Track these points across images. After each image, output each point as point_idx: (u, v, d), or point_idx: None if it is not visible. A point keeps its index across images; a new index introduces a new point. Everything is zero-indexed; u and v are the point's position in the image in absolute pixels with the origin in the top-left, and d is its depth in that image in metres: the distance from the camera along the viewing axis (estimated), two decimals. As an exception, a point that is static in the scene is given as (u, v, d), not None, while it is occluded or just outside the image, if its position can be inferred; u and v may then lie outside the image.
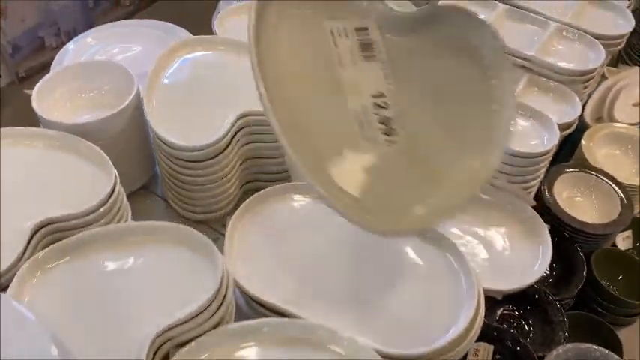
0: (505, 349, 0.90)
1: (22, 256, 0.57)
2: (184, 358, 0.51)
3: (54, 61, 0.91)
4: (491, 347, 0.90)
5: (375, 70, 0.58)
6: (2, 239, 0.57)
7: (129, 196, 0.80)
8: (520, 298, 1.00)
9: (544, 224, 0.77)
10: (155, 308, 0.53)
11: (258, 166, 0.81)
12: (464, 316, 0.58)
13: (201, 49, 0.81)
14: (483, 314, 0.62)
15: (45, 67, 0.86)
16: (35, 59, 1.10)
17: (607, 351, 0.92)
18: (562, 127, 0.82)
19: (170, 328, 0.51)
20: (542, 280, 1.09)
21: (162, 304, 0.53)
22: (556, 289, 1.06)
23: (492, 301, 0.95)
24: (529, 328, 0.99)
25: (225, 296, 0.54)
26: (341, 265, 0.64)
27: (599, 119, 1.29)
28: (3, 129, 0.67)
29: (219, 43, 0.82)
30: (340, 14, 0.58)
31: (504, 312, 1.01)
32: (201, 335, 0.53)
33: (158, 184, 0.86)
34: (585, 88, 0.90)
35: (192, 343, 0.52)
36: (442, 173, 0.57)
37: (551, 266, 1.10)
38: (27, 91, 1.07)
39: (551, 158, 0.89)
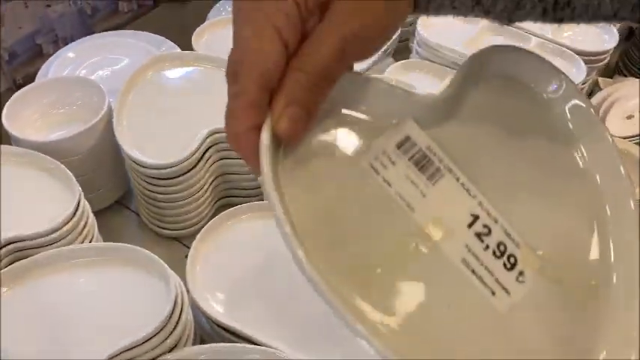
0: None
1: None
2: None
3: (38, 73, 0.92)
4: None
5: (449, 189, 0.38)
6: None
7: (102, 211, 0.81)
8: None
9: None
10: (107, 332, 0.53)
11: (231, 182, 0.81)
12: None
13: (173, 66, 0.81)
14: None
15: (43, 74, 0.85)
16: (32, 66, 1.10)
17: None
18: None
19: (119, 353, 0.51)
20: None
21: (114, 329, 0.53)
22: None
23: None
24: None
25: (179, 319, 0.54)
26: (306, 289, 0.63)
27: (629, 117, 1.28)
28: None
29: (192, 59, 0.82)
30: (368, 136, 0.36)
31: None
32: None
33: (132, 198, 0.86)
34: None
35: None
36: None
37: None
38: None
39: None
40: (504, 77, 0.39)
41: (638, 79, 1.02)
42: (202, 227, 0.80)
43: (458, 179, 0.38)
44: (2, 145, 0.69)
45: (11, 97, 0.76)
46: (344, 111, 0.34)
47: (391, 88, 0.35)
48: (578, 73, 0.89)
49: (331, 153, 0.34)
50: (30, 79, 1.13)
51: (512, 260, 0.37)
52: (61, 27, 1.15)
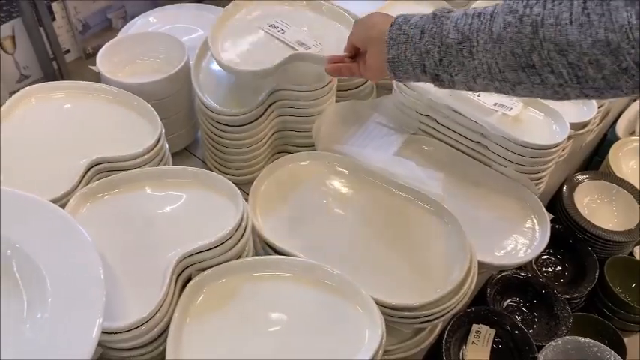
0: (505, 334, 0.95)
1: (76, 187, 0.67)
2: (203, 279, 0.60)
3: (120, 30, 1.03)
4: (493, 331, 0.95)
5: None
6: (60, 172, 0.67)
7: (172, 156, 0.90)
8: (528, 291, 1.04)
9: (545, 211, 0.82)
10: (183, 237, 0.62)
11: (287, 137, 0.90)
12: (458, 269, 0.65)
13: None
14: (476, 273, 0.68)
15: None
16: (102, 38, 1.21)
17: (605, 347, 0.95)
18: (576, 127, 0.87)
19: (192, 254, 0.60)
20: (554, 278, 1.13)
21: (190, 235, 0.62)
22: (567, 289, 1.10)
23: (500, 289, 1.01)
24: (534, 320, 1.03)
25: (244, 232, 0.62)
26: (352, 225, 0.72)
27: (632, 134, 1.32)
28: (71, 82, 0.78)
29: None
30: None
31: (511, 303, 1.06)
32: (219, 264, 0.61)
33: (199, 147, 0.95)
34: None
35: (211, 269, 0.60)
36: None
37: (564, 267, 1.14)
38: (92, 67, 1.18)
39: (563, 155, 0.94)
40: None
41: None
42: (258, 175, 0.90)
43: None
44: (96, 83, 0.79)
45: (105, 45, 0.86)
46: None
47: None
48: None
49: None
50: (99, 50, 1.25)
51: None
52: (131, 3, 1.24)
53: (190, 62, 0.85)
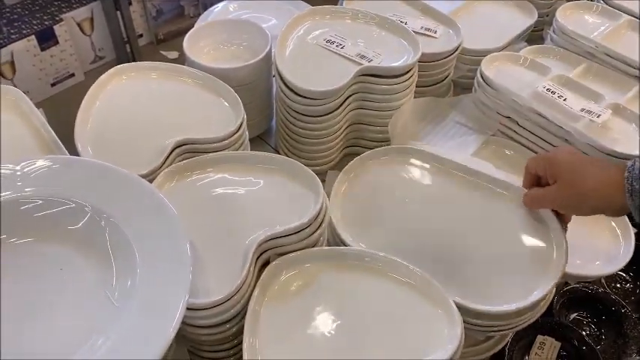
0: (572, 348, 0.92)
1: (161, 166, 0.69)
2: (282, 263, 0.60)
3: (199, 17, 1.05)
4: (559, 344, 0.92)
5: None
6: (147, 150, 0.69)
7: (247, 142, 0.92)
8: (596, 306, 1.01)
9: (630, 224, 0.79)
10: (263, 221, 0.62)
11: (360, 131, 0.89)
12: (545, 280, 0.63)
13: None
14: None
15: (181, 34, 0.95)
16: (174, 24, 1.25)
17: (682, 371, 0.91)
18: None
19: (272, 238, 0.60)
20: (625, 295, 1.08)
21: (270, 219, 0.62)
22: (638, 307, 1.05)
23: (567, 302, 0.97)
24: (600, 337, 1.00)
25: (322, 223, 0.63)
26: (432, 223, 0.70)
27: None
28: (161, 63, 0.80)
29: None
30: None
31: (578, 317, 1.02)
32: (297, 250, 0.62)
33: (272, 136, 0.96)
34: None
35: (293, 254, 0.61)
36: None
37: (635, 285, 1.09)
38: (163, 53, 1.21)
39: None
40: None
41: None
42: (331, 166, 0.90)
43: None
44: (185, 67, 0.81)
45: (190, 30, 0.88)
46: None
47: None
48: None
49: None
50: (171, 36, 1.29)
51: None
52: (203, -8, 1.26)
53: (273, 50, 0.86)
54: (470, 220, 0.70)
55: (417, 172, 0.75)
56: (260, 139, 0.96)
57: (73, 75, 1.11)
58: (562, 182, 0.61)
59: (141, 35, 1.22)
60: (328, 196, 0.74)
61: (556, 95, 0.82)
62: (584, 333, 1.00)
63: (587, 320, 1.02)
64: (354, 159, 0.76)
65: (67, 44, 1.07)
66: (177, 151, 0.72)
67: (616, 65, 0.92)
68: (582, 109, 0.80)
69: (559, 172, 0.61)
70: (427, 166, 0.75)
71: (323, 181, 0.87)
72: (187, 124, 0.74)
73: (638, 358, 0.91)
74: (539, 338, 0.93)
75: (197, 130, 0.73)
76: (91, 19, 1.11)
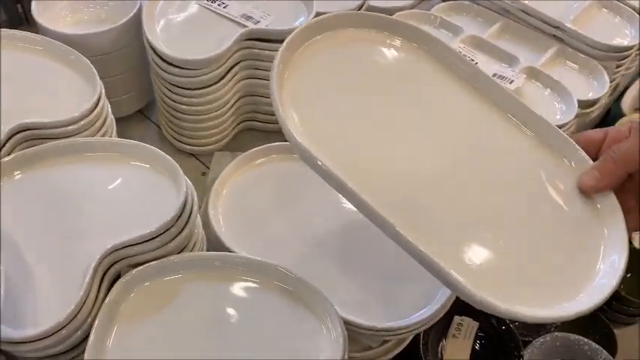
0: (490, 328, 0.87)
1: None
2: (132, 279, 0.50)
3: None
4: (476, 324, 0.87)
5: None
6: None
7: (124, 119, 0.79)
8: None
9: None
10: (114, 225, 0.51)
11: (255, 104, 0.78)
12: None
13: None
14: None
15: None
16: None
17: (597, 346, 0.88)
18: (584, 104, 0.76)
19: (120, 248, 0.49)
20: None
21: (123, 222, 0.51)
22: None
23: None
24: (520, 312, 0.96)
25: (187, 222, 0.52)
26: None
27: (637, 110, 1.22)
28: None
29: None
30: None
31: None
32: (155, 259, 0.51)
33: (155, 110, 0.84)
34: (619, 67, 0.83)
35: (142, 267, 0.50)
36: None
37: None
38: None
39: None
40: None
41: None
42: (221, 146, 0.79)
43: None
44: (19, 31, 0.66)
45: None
46: None
47: None
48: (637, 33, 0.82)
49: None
50: None
51: None
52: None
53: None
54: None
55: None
56: (141, 115, 0.84)
57: None
58: None
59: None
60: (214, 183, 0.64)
61: (467, 59, 0.73)
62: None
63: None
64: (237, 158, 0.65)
65: None
66: (15, 139, 0.58)
67: (533, 23, 0.84)
68: (494, 75, 0.72)
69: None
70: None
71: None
72: (29, 106, 0.60)
73: (556, 334, 0.88)
74: (457, 319, 0.88)
75: (41, 113, 0.59)
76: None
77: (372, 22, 0.50)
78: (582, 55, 0.81)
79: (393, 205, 0.40)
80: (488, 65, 0.73)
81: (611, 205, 0.44)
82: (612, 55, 0.81)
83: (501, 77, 0.71)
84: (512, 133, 0.48)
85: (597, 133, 0.45)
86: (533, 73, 0.75)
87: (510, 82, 0.71)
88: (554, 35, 0.84)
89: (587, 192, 0.44)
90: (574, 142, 0.46)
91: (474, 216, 0.43)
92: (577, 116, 0.73)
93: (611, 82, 0.80)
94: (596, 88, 0.79)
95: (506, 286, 0.40)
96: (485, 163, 0.46)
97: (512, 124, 0.48)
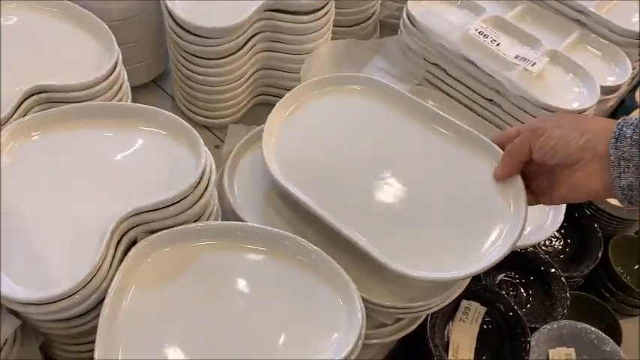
0: (497, 314, 0.87)
1: (8, 119, 0.55)
2: (149, 244, 0.49)
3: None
4: (484, 309, 0.87)
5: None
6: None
7: (137, 88, 0.78)
8: (524, 266, 0.96)
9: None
10: (131, 191, 0.51)
11: (271, 77, 0.77)
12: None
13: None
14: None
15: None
16: None
17: (604, 335, 0.88)
18: (606, 90, 0.75)
19: (138, 213, 0.49)
20: (554, 254, 1.04)
21: (140, 188, 0.51)
22: (567, 267, 1.01)
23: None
24: (528, 299, 0.95)
25: (205, 191, 0.51)
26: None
27: (652, 101, 1.20)
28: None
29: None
30: None
31: (505, 277, 0.97)
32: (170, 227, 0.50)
33: (169, 81, 0.82)
34: (642, 54, 0.82)
35: (160, 233, 0.49)
36: None
37: (566, 243, 1.06)
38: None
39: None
40: None
41: None
42: (235, 119, 0.78)
43: None
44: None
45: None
46: None
47: None
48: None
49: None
50: None
51: None
52: None
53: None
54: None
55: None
56: (154, 85, 0.83)
57: None
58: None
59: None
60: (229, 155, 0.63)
61: (489, 39, 0.72)
62: (511, 293, 0.96)
63: (515, 281, 0.97)
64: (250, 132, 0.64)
65: None
66: (30, 101, 0.57)
67: (556, 7, 0.83)
68: (516, 56, 0.70)
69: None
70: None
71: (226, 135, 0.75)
72: (45, 68, 0.59)
73: (563, 321, 0.87)
74: (464, 303, 0.88)
75: (58, 75, 0.58)
76: None
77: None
78: (604, 41, 0.80)
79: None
80: (510, 47, 0.72)
81: (516, 188, 0.54)
82: (635, 42, 0.80)
83: (524, 59, 0.70)
84: (442, 140, 0.60)
85: (511, 131, 0.55)
86: (555, 57, 0.74)
87: (532, 65, 0.70)
88: (576, 20, 0.82)
89: (497, 179, 0.55)
90: (492, 142, 0.57)
91: (404, 211, 0.55)
92: (598, 102, 0.72)
93: (632, 68, 0.79)
94: (618, 74, 0.78)
95: (417, 258, 0.51)
96: (423, 170, 0.58)
97: (443, 135, 0.60)
